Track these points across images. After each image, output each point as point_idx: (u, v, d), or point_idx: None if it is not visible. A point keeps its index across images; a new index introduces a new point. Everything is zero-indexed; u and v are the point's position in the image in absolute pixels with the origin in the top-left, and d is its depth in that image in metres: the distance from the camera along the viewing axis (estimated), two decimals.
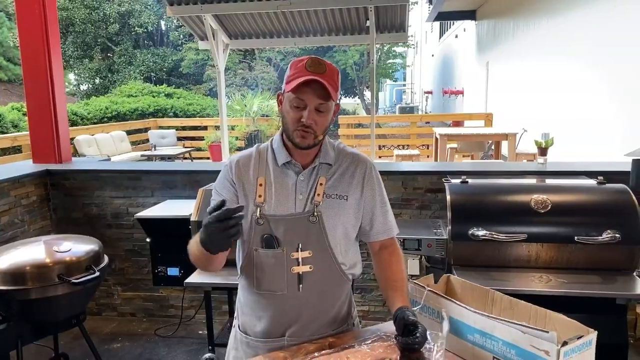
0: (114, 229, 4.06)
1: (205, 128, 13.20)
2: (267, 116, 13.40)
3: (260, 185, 1.59)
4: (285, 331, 1.61)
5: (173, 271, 3.34)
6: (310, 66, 1.51)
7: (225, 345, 3.28)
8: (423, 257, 3.22)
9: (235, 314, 1.76)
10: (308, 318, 1.62)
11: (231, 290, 3.55)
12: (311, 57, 1.54)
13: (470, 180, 3.06)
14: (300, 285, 1.59)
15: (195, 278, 3.06)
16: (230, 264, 3.12)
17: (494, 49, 12.60)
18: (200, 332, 3.87)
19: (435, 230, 3.09)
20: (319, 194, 1.59)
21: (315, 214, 1.58)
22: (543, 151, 3.59)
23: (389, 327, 1.63)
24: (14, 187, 3.72)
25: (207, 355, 3.21)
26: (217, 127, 12.59)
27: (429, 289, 1.64)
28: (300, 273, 1.58)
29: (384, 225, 1.70)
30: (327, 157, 1.63)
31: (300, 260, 1.58)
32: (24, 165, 4.41)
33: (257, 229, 1.59)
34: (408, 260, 3.21)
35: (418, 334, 1.38)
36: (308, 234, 1.58)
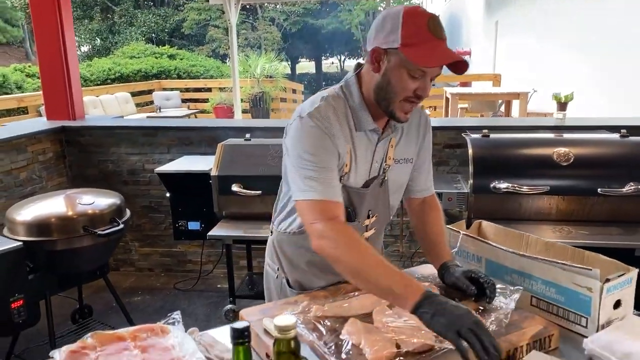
0: (130, 185, 4.08)
1: (209, 90, 13.08)
2: (271, 77, 13.25)
3: (347, 153, 1.40)
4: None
5: (194, 225, 3.37)
6: (433, 29, 1.26)
7: (245, 297, 3.38)
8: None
9: (278, 270, 1.65)
10: None
11: (250, 244, 3.59)
12: (431, 16, 1.28)
13: (490, 135, 3.05)
14: None
15: (217, 231, 3.10)
16: (253, 218, 3.18)
17: (503, 7, 12.34)
18: (219, 285, 3.94)
19: (455, 185, 3.10)
20: (390, 158, 1.50)
21: (385, 179, 1.53)
22: (562, 106, 3.56)
23: (424, 270, 1.66)
24: (30, 143, 3.72)
25: (229, 306, 3.27)
26: (221, 89, 12.48)
27: (465, 232, 1.66)
28: (367, 237, 1.57)
29: (430, 180, 1.68)
30: None
31: (368, 225, 1.56)
32: (38, 122, 4.41)
33: None
34: None
35: (491, 289, 1.36)
36: (377, 200, 1.53)
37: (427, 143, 1.60)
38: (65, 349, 1.20)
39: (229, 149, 3.25)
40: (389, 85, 1.32)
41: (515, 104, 7.11)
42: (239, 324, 0.82)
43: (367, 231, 1.56)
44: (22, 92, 10.41)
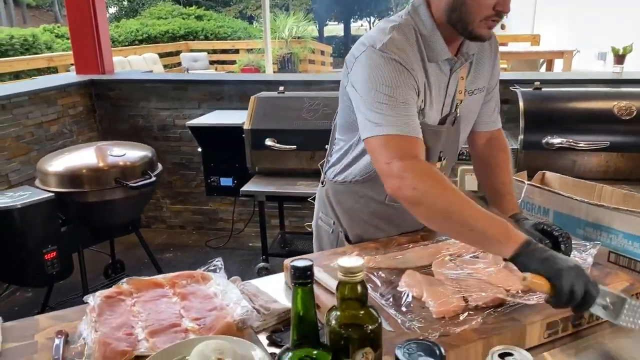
0: (160, 141, 3.99)
1: (236, 51, 12.88)
2: (300, 38, 12.95)
3: (422, 87, 1.25)
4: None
5: (226, 181, 3.28)
6: None
7: (277, 255, 3.30)
8: None
9: (334, 225, 1.51)
10: None
11: (283, 201, 3.49)
12: None
13: (542, 88, 2.84)
14: None
15: (250, 187, 3.00)
16: (287, 174, 3.06)
17: None
18: (251, 244, 3.87)
19: None
20: (460, 92, 1.33)
21: (457, 115, 1.35)
22: (620, 59, 3.29)
23: None
24: (60, 96, 3.65)
25: (262, 264, 3.20)
26: (249, 51, 12.27)
27: (530, 182, 1.50)
28: None
29: (497, 112, 1.48)
30: (470, 46, 1.31)
31: (439, 168, 1.38)
32: (68, 76, 4.34)
33: None
34: (466, 176, 3.06)
35: (566, 243, 1.20)
36: (447, 140, 1.36)
37: (497, 67, 1.42)
38: (100, 294, 1.10)
39: (262, 102, 3.11)
40: (463, 5, 1.16)
41: (558, 64, 6.75)
42: (300, 262, 0.70)
43: None
44: (52, 53, 10.42)
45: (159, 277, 1.19)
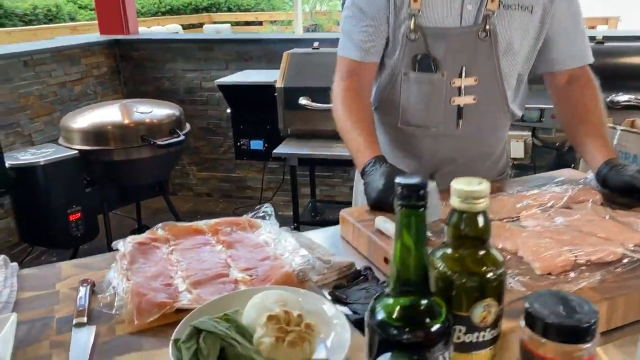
0: (187, 104, 3.82)
1: (260, 23, 12.61)
2: (326, 10, 12.61)
3: None
4: (431, 176, 1.30)
5: (256, 144, 3.10)
6: None
7: (308, 224, 3.13)
8: (531, 139, 2.82)
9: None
10: (462, 161, 1.30)
11: (314, 166, 3.31)
12: None
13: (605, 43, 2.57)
14: (460, 121, 1.25)
15: (282, 149, 2.81)
16: (321, 136, 2.86)
17: None
18: (280, 212, 3.70)
19: None
20: (493, 1, 1.18)
21: (487, 27, 1.19)
22: None
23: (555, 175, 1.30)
24: (84, 55, 3.49)
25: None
26: (272, 22, 12.00)
27: (624, 128, 1.28)
28: (461, 105, 1.23)
29: (577, 47, 1.27)
30: None
31: (462, 89, 1.22)
32: (91, 36, 4.18)
33: (408, 46, 1.22)
34: (511, 142, 2.84)
35: None
36: (475, 55, 1.20)
37: (563, 5, 1.20)
38: (132, 239, 0.94)
39: (296, 59, 2.90)
40: None
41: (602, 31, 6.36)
42: (411, 179, 0.51)
43: (460, 96, 1.22)
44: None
45: (200, 224, 1.02)
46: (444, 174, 1.29)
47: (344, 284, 0.92)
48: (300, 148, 2.82)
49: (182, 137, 2.56)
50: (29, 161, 2.31)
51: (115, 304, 0.77)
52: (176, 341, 0.63)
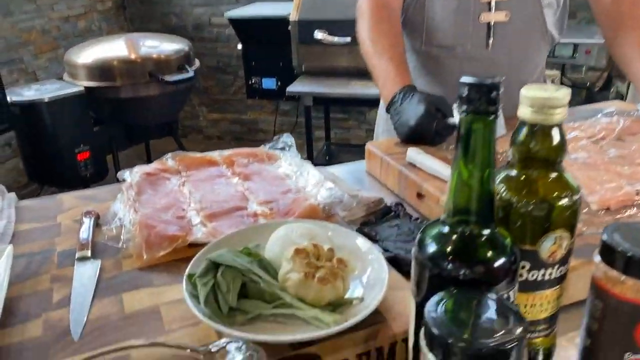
0: (196, 42, 3.63)
1: None
2: None
3: None
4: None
5: (269, 83, 2.97)
6: None
7: (323, 164, 3.04)
8: (560, 78, 2.66)
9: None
10: None
11: (329, 106, 3.18)
12: None
13: None
14: (490, 41, 1.12)
15: (296, 87, 2.68)
16: (338, 73, 2.73)
17: None
18: None
19: (597, 35, 2.48)
20: None
21: None
22: None
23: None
24: None
25: None
26: None
27: None
28: (492, 23, 1.10)
29: None
30: None
31: (492, 4, 1.09)
32: None
33: None
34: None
35: None
36: None
37: None
38: (139, 169, 0.85)
39: None
40: None
41: None
42: (480, 78, 0.41)
43: (490, 11, 1.09)
44: None
45: (214, 154, 0.93)
46: None
47: (373, 221, 0.83)
48: (316, 86, 2.69)
49: (191, 74, 2.44)
50: (32, 97, 2.21)
51: (122, 237, 0.69)
52: (190, 276, 0.56)
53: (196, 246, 0.68)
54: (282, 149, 0.94)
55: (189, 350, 0.40)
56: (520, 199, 0.47)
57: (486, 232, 0.44)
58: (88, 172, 2.40)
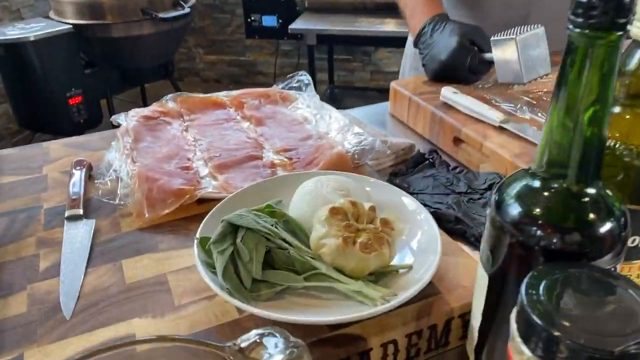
0: None
1: None
2: None
3: None
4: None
5: (269, 20, 2.78)
6: None
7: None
8: None
9: None
10: (537, 20, 1.05)
11: (333, 45, 3.02)
12: None
13: None
14: None
15: (299, 24, 2.52)
16: (343, 10, 2.55)
17: None
18: None
19: None
20: None
21: None
22: None
23: None
24: None
25: None
26: None
27: None
28: None
29: None
30: None
31: None
32: None
33: None
34: None
35: None
36: None
37: None
38: (136, 113, 0.74)
39: None
40: None
41: None
42: None
43: None
44: None
45: (220, 95, 0.82)
46: None
47: (404, 171, 0.73)
48: (320, 23, 2.53)
49: (187, 10, 2.27)
50: (17, 36, 2.05)
51: (119, 192, 0.59)
52: (203, 241, 0.46)
53: (206, 202, 0.58)
54: (298, 88, 0.82)
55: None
56: (629, 146, 0.37)
57: (591, 190, 0.34)
58: (82, 118, 2.27)
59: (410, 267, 0.47)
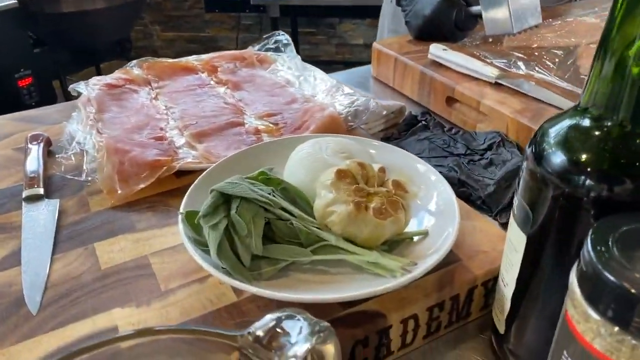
0: None
1: None
2: None
3: None
4: None
5: None
6: None
7: None
8: None
9: None
10: None
11: (297, 18, 2.92)
12: None
13: None
14: None
15: None
16: None
17: None
18: None
19: None
20: None
21: None
22: None
23: None
24: None
25: None
26: None
27: None
28: None
29: None
30: None
31: None
32: None
33: None
34: None
35: None
36: None
37: None
38: (99, 81, 0.66)
39: None
40: None
41: None
42: None
43: None
44: None
45: (190, 59, 0.74)
46: None
47: (396, 135, 0.68)
48: None
49: None
50: None
51: (85, 168, 0.52)
52: (190, 216, 0.40)
53: (185, 174, 0.51)
54: (276, 49, 0.76)
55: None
56: None
57: None
58: (33, 101, 2.12)
59: (426, 233, 0.42)
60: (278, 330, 0.25)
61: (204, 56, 0.74)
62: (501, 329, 0.38)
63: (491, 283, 0.42)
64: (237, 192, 0.38)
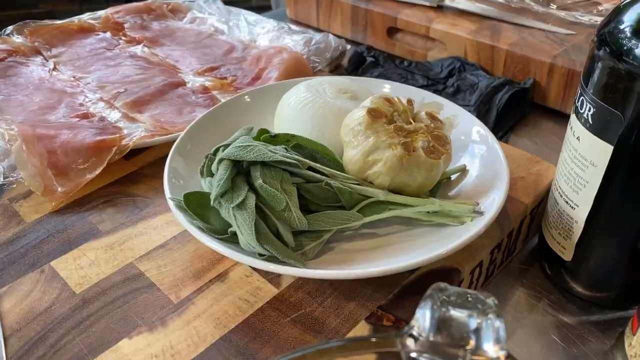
0: None
1: None
2: None
3: None
4: None
5: None
6: None
7: None
8: None
9: None
10: None
11: None
12: None
13: None
14: None
15: None
16: None
17: None
18: None
19: None
20: None
21: None
22: None
23: None
24: None
25: None
26: None
27: None
28: None
29: None
30: None
31: None
32: None
33: None
34: None
35: None
36: None
37: None
38: None
39: None
40: None
41: None
42: None
43: None
44: None
45: (83, 18, 0.60)
46: None
47: (343, 68, 0.62)
48: None
49: None
50: None
51: (1, 168, 0.38)
52: (191, 199, 0.30)
53: (135, 154, 0.40)
54: None
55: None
56: None
57: None
58: None
59: (464, 169, 0.37)
60: (450, 321, 0.18)
61: (100, 12, 0.60)
62: (567, 255, 0.35)
63: (536, 211, 0.38)
64: (255, 157, 0.30)
